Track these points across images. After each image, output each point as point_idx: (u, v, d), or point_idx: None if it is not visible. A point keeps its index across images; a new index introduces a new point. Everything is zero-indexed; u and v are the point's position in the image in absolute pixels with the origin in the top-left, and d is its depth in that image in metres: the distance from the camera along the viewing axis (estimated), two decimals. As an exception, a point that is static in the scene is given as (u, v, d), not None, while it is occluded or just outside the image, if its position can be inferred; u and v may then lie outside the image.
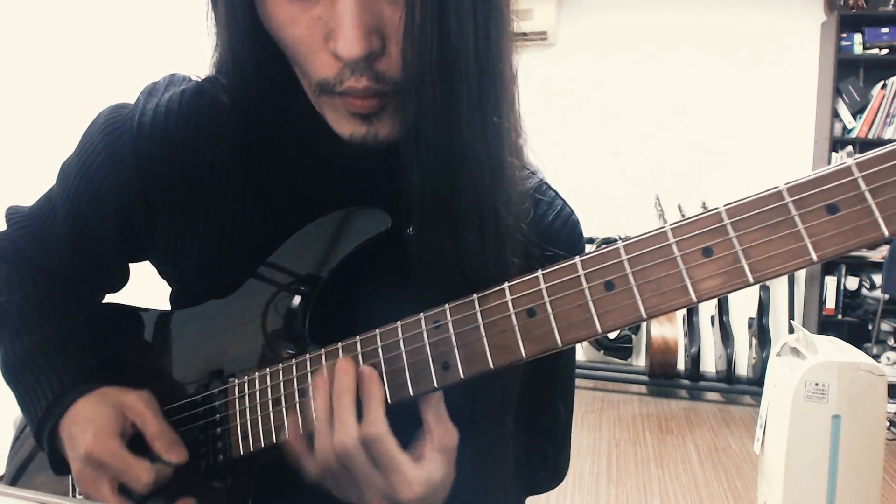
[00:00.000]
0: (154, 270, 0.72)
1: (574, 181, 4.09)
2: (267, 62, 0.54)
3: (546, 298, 0.46)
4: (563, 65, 4.22)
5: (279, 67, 0.54)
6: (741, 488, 2.78)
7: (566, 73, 4.22)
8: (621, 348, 4.13)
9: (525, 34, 3.98)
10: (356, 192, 0.59)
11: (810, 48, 3.90)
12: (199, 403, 0.63)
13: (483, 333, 0.48)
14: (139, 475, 0.58)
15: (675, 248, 0.41)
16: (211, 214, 0.62)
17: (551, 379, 0.67)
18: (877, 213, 0.35)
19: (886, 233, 0.34)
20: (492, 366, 0.47)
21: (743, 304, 3.96)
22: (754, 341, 3.81)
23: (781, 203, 0.38)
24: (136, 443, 0.61)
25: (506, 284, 0.48)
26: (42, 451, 0.65)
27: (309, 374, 0.55)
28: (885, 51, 3.65)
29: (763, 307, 3.82)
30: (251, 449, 0.58)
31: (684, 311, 3.98)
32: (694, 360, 3.78)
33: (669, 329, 3.75)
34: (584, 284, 0.44)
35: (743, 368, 3.95)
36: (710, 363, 4.01)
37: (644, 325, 3.98)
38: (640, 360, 4.20)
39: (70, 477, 0.71)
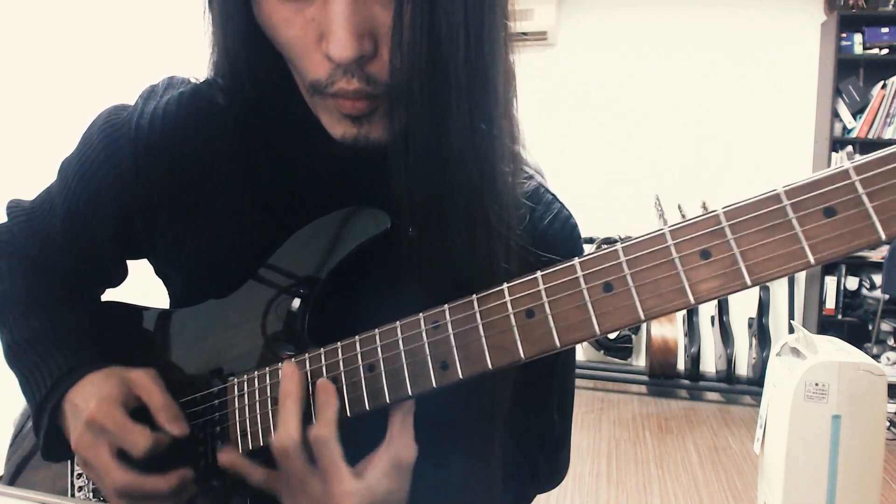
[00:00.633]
0: (151, 269, 0.72)
1: (574, 181, 4.09)
2: (263, 63, 0.54)
3: (545, 299, 0.46)
4: (563, 65, 4.22)
5: (276, 68, 0.54)
6: (741, 488, 2.78)
7: (566, 73, 4.22)
8: (621, 348, 4.13)
9: (525, 34, 3.98)
10: (354, 193, 0.59)
11: (810, 48, 3.90)
12: (198, 402, 0.63)
13: (482, 334, 0.48)
14: (137, 440, 0.59)
15: (673, 250, 0.42)
16: (209, 215, 0.63)
17: (548, 382, 0.67)
18: (874, 217, 0.36)
19: (883, 236, 0.35)
20: (490, 366, 0.47)
21: (743, 305, 3.96)
22: (754, 341, 3.81)
23: (779, 206, 0.39)
24: (140, 417, 0.61)
25: (505, 285, 0.48)
26: (37, 440, 0.66)
27: (308, 374, 0.55)
28: (885, 51, 3.65)
29: (763, 307, 3.82)
30: (249, 448, 0.58)
31: (684, 311, 3.98)
32: (694, 360, 3.78)
33: (669, 329, 3.76)
34: (583, 286, 0.44)
35: (743, 368, 3.95)
36: (710, 363, 4.01)
37: (644, 325, 3.98)
38: (640, 360, 4.20)
39: (68, 475, 0.72)
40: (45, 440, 0.65)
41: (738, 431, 3.40)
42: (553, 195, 0.66)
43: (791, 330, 3.36)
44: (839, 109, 3.74)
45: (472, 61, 0.47)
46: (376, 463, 0.52)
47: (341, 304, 0.61)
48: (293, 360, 0.56)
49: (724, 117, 4.03)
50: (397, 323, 0.51)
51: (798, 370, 2.01)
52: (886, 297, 3.43)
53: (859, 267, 3.76)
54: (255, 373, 0.59)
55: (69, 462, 0.72)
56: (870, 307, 3.69)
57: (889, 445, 2.90)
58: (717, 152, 4.04)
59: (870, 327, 3.67)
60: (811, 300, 3.89)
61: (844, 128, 3.75)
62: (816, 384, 1.97)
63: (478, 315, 0.48)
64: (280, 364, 0.57)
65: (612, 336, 4.12)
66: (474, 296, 0.49)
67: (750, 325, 3.96)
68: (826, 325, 3.75)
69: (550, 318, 0.45)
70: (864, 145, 3.71)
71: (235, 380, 0.60)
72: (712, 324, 4.01)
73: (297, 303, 0.59)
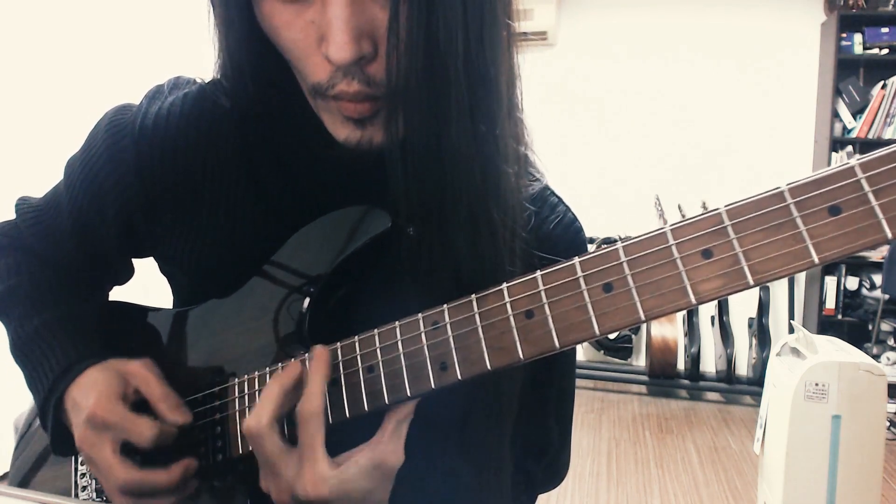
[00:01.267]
0: (157, 268, 0.72)
1: (574, 181, 4.10)
2: (266, 65, 0.54)
3: (544, 300, 0.45)
4: (563, 65, 4.22)
5: (279, 70, 0.54)
6: (741, 488, 2.78)
7: (566, 73, 4.21)
8: (621, 348, 4.13)
9: (525, 34, 3.97)
10: (357, 194, 0.59)
11: (810, 48, 3.90)
12: (199, 402, 0.63)
13: (481, 335, 0.47)
14: (142, 431, 0.58)
15: (674, 249, 0.41)
16: (212, 215, 0.63)
17: (546, 391, 0.67)
18: (880, 215, 0.35)
19: (889, 235, 0.34)
20: (489, 367, 0.47)
21: (743, 305, 3.96)
22: (754, 341, 3.81)
23: (783, 204, 0.38)
24: (140, 409, 0.61)
25: (504, 285, 0.47)
26: (45, 439, 0.66)
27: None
28: (885, 51, 3.65)
29: (763, 307, 3.81)
30: (250, 448, 0.58)
31: (684, 311, 3.98)
32: (694, 360, 3.78)
33: (669, 329, 3.76)
34: (583, 286, 0.44)
35: (743, 368, 3.95)
36: (710, 363, 4.01)
37: (644, 325, 3.97)
38: (640, 360, 4.20)
39: (72, 475, 0.71)
40: (53, 436, 0.65)
41: (738, 431, 3.40)
42: (559, 197, 0.65)
43: (791, 330, 3.36)
44: (839, 109, 3.74)
45: (472, 63, 0.46)
46: (357, 459, 0.51)
47: (343, 303, 0.60)
48: (292, 360, 0.56)
49: (723, 117, 4.03)
50: (396, 323, 0.51)
51: (798, 370, 2.01)
52: (886, 297, 3.43)
53: (859, 267, 3.76)
54: (256, 373, 0.58)
55: (72, 461, 0.72)
56: (870, 307, 3.69)
57: (889, 445, 2.90)
58: (717, 152, 4.04)
59: (870, 327, 3.67)
60: (811, 300, 3.89)
61: (844, 128, 3.75)
62: (816, 384, 1.97)
63: (477, 316, 0.48)
64: (280, 364, 0.57)
65: (612, 336, 4.12)
66: (473, 296, 0.48)
67: (750, 325, 3.96)
68: (826, 325, 3.75)
69: (550, 318, 0.45)
70: (864, 145, 3.71)
71: (237, 380, 0.60)
72: (712, 324, 4.01)
73: (306, 302, 0.59)
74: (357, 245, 0.57)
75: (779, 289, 3.96)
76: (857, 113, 3.71)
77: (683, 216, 0.81)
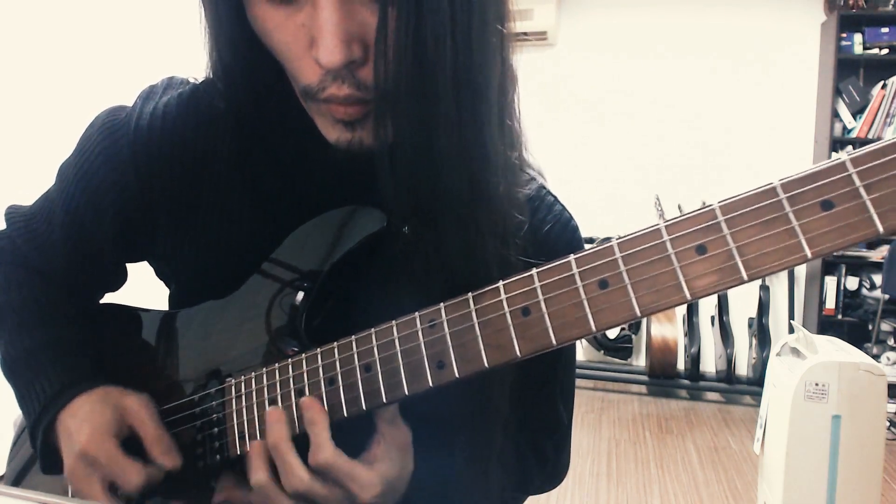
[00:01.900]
0: (152, 271, 0.72)
1: (574, 181, 4.09)
2: (258, 67, 0.54)
3: (540, 297, 0.45)
4: (563, 65, 4.22)
5: (271, 72, 0.54)
6: (741, 488, 2.77)
7: (566, 73, 4.22)
8: (621, 348, 4.13)
9: (525, 34, 3.98)
10: (350, 196, 0.59)
11: (810, 48, 3.90)
12: (196, 403, 0.63)
13: (478, 332, 0.48)
14: (130, 477, 0.59)
15: (668, 245, 0.41)
16: (207, 216, 0.63)
17: (552, 380, 0.67)
18: (871, 209, 0.35)
19: (881, 229, 0.34)
20: (486, 364, 0.47)
21: (743, 304, 3.96)
22: (754, 341, 3.80)
23: (776, 199, 0.38)
24: (131, 444, 0.61)
25: (500, 283, 0.47)
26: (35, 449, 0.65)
27: (305, 374, 0.55)
28: (885, 51, 3.65)
29: (763, 307, 3.81)
30: (247, 449, 0.58)
31: (684, 310, 3.98)
32: (694, 360, 3.78)
33: (669, 329, 3.75)
34: (579, 283, 0.44)
35: (743, 368, 3.94)
36: (710, 363, 4.01)
37: (644, 324, 3.98)
38: (640, 360, 4.19)
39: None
40: (42, 457, 0.64)
41: (738, 431, 3.40)
42: (554, 197, 0.65)
43: (791, 330, 3.36)
44: (839, 109, 3.74)
45: (461, 68, 0.46)
46: (383, 455, 0.54)
47: (338, 302, 0.61)
48: (290, 360, 0.56)
49: (723, 117, 4.03)
50: (393, 322, 0.51)
51: (798, 370, 2.01)
52: (886, 297, 3.43)
53: (859, 267, 3.76)
54: (253, 373, 0.58)
55: None
56: (870, 307, 3.69)
57: (889, 445, 2.89)
58: (717, 152, 4.04)
59: (870, 327, 3.66)
60: (811, 300, 3.89)
61: (844, 128, 3.75)
62: (816, 384, 1.97)
63: (474, 314, 0.48)
64: (277, 364, 0.57)
65: (612, 336, 4.12)
66: (470, 294, 0.48)
67: (750, 325, 3.96)
68: (826, 325, 3.75)
69: (546, 315, 0.45)
70: (865, 145, 3.66)
71: (233, 380, 0.60)
72: (712, 324, 4.01)
73: (300, 296, 0.59)
74: (352, 244, 0.57)
75: (779, 288, 3.96)
76: (857, 113, 3.71)
77: (681, 214, 0.81)
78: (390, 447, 0.54)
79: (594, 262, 0.44)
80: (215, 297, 0.63)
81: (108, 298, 0.77)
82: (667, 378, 3.79)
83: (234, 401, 0.60)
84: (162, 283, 0.73)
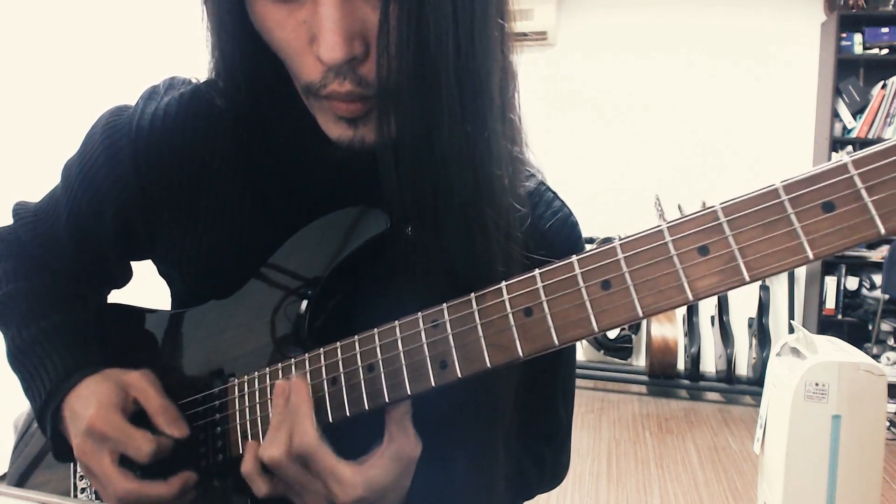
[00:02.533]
0: (155, 270, 0.72)
1: (574, 181, 4.09)
2: (259, 65, 0.54)
3: (543, 298, 0.46)
4: (563, 65, 4.22)
5: (273, 70, 0.54)
6: (741, 488, 2.78)
7: (566, 73, 4.22)
8: (621, 348, 4.13)
9: (525, 34, 3.98)
10: (352, 194, 0.59)
11: (810, 48, 3.90)
12: (199, 403, 0.63)
13: (480, 333, 0.48)
14: (140, 445, 0.59)
15: (671, 246, 0.41)
16: (208, 215, 0.63)
17: (552, 381, 0.67)
18: (873, 211, 0.35)
19: (883, 230, 0.34)
20: (489, 365, 0.47)
21: (743, 304, 3.96)
22: (754, 341, 3.80)
23: (777, 201, 0.38)
24: (138, 421, 0.61)
25: (503, 284, 0.48)
26: (45, 439, 0.66)
27: (307, 374, 0.55)
28: (885, 51, 3.65)
29: (763, 307, 3.81)
30: None
31: (684, 310, 3.98)
32: (694, 360, 3.78)
33: (669, 329, 3.75)
34: (581, 284, 0.44)
35: (743, 368, 3.94)
36: (710, 363, 4.01)
37: (644, 324, 3.98)
38: (640, 360, 4.20)
39: (71, 476, 0.72)
40: (53, 445, 0.65)
41: (738, 431, 3.40)
42: (554, 193, 0.66)
43: (791, 330, 3.36)
44: (839, 109, 3.74)
45: (463, 64, 0.46)
46: (377, 461, 0.52)
47: (342, 303, 0.61)
48: (294, 360, 0.56)
49: (724, 117, 4.03)
50: (396, 322, 0.51)
51: (798, 370, 2.01)
52: (886, 297, 3.43)
53: (859, 267, 3.76)
54: (256, 373, 0.59)
55: (72, 463, 0.72)
56: (870, 307, 3.69)
57: (889, 445, 2.90)
58: (717, 152, 4.04)
59: (870, 327, 3.67)
60: (811, 300, 3.89)
61: (844, 128, 3.75)
62: (816, 384, 1.97)
63: (476, 314, 0.48)
64: (280, 364, 0.57)
65: (612, 336, 4.12)
66: (472, 295, 0.48)
67: (750, 325, 3.96)
68: (826, 325, 3.75)
69: (549, 316, 0.45)
70: (865, 145, 3.67)
71: (236, 380, 0.60)
72: (712, 324, 4.01)
73: (297, 302, 0.59)
74: (355, 246, 0.57)
75: (779, 289, 3.96)
76: (857, 113, 3.71)
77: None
78: (390, 454, 0.52)
79: (597, 262, 0.44)
80: (217, 296, 0.64)
81: (114, 297, 0.77)
82: (667, 378, 3.79)
83: (237, 400, 0.60)
84: (164, 283, 0.74)
